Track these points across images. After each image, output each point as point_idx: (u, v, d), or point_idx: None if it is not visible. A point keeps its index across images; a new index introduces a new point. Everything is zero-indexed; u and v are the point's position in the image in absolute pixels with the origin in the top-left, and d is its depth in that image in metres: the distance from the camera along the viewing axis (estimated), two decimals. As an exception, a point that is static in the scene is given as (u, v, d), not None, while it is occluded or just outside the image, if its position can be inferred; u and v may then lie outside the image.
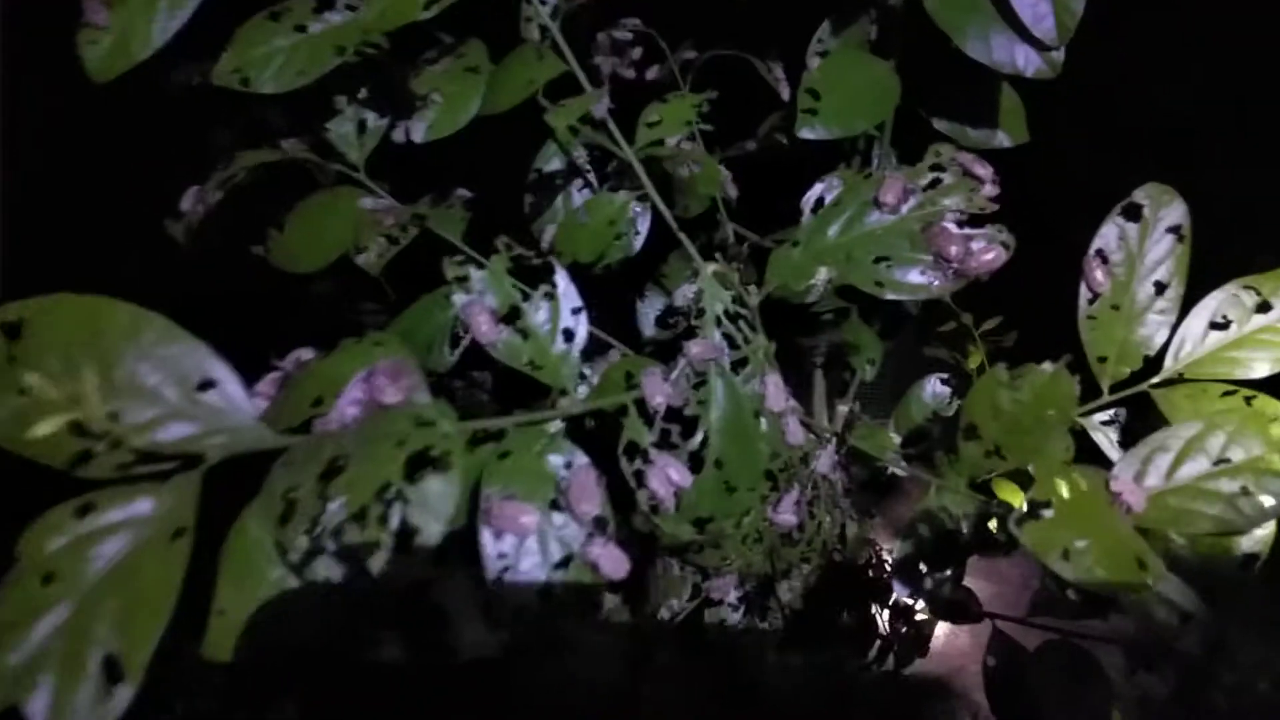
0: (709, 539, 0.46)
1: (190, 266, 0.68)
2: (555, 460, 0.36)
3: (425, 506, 0.27)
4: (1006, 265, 0.54)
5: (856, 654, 0.71)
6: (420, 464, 0.26)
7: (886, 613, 0.69)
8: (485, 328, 0.40)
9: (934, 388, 0.63)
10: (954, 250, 0.46)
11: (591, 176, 0.69)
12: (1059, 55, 0.63)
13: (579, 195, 0.66)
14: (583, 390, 0.64)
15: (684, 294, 0.60)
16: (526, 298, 0.41)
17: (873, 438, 0.58)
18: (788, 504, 0.54)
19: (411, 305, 0.68)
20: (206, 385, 0.30)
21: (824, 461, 0.54)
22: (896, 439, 0.61)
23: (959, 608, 0.61)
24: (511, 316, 0.40)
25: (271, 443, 0.29)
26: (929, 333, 0.93)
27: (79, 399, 0.26)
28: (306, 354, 0.36)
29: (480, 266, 0.40)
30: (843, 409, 0.96)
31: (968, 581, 0.67)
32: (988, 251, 0.46)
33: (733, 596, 0.64)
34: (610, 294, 0.82)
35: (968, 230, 0.46)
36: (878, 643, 0.71)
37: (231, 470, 0.31)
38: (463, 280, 0.40)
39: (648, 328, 0.68)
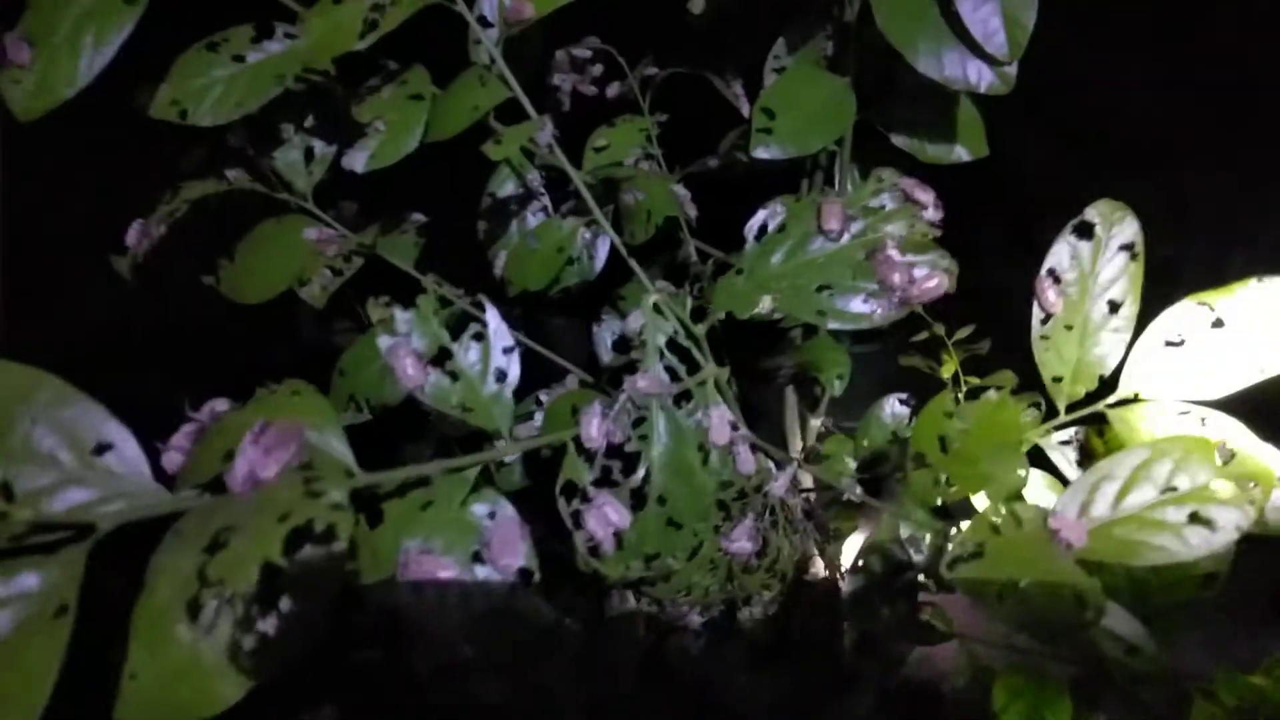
0: (658, 574, 0.45)
1: (157, 288, 0.67)
2: (479, 510, 0.35)
3: (309, 586, 0.26)
4: (981, 272, 0.54)
5: (824, 677, 0.70)
6: (302, 539, 0.25)
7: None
8: (411, 371, 0.39)
9: (893, 408, 0.62)
10: (896, 278, 0.45)
11: (547, 200, 0.68)
12: (1011, 70, 0.62)
13: (534, 219, 0.66)
14: (539, 419, 0.64)
15: (634, 321, 0.59)
16: (455, 338, 0.40)
17: (830, 464, 0.57)
18: (742, 532, 0.54)
19: (365, 334, 0.67)
20: (103, 448, 0.29)
21: (778, 486, 0.53)
22: (852, 463, 0.61)
23: (925, 629, 0.60)
24: (440, 358, 0.40)
25: (168, 507, 0.28)
26: (902, 342, 0.92)
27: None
28: (221, 405, 0.35)
29: (406, 306, 0.39)
30: (815, 423, 0.96)
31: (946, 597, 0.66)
32: (930, 279, 0.45)
33: (695, 623, 0.63)
34: (576, 316, 0.81)
35: (910, 257, 0.46)
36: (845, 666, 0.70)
37: (146, 531, 0.30)
38: (386, 322, 0.39)
39: (604, 353, 0.67)
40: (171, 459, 0.34)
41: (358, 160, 0.54)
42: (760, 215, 0.49)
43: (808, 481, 0.71)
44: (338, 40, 0.50)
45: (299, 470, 0.29)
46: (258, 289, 0.64)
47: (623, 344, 0.66)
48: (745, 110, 0.83)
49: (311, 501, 0.25)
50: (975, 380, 0.85)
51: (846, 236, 0.47)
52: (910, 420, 0.63)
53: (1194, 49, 0.78)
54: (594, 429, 0.41)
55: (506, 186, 0.68)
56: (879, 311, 0.45)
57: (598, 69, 0.79)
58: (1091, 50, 0.76)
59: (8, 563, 0.26)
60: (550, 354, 0.66)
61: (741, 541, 0.54)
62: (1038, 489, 0.58)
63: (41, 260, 0.93)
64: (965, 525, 0.40)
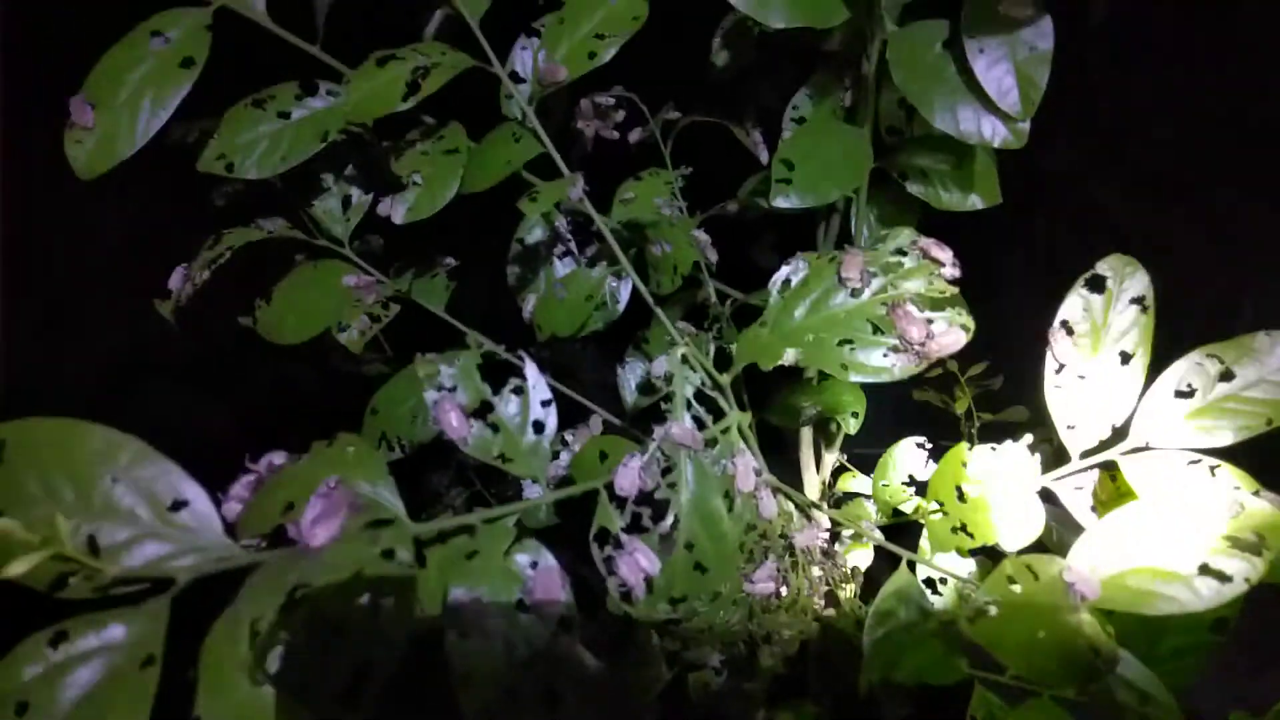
0: (684, 615, 0.47)
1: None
2: (522, 560, 0.37)
3: (380, 634, 0.28)
4: (998, 310, 0.55)
5: (840, 712, 0.71)
6: (377, 591, 0.27)
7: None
8: (455, 423, 0.41)
9: (910, 451, 0.64)
10: (915, 333, 0.47)
11: (573, 245, 0.70)
12: (1025, 126, 0.64)
13: (561, 265, 0.68)
14: (565, 457, 0.66)
15: (660, 366, 0.61)
16: (496, 391, 0.42)
17: (850, 508, 0.59)
18: (764, 574, 0.55)
19: (397, 373, 0.69)
20: (179, 505, 0.31)
21: (803, 536, 0.55)
22: (871, 507, 0.62)
23: (945, 670, 0.61)
24: (482, 411, 0.42)
25: (240, 561, 0.30)
26: (917, 377, 0.94)
27: (52, 538, 0.27)
28: (278, 458, 0.37)
29: (451, 362, 0.42)
30: (830, 458, 0.97)
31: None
32: (947, 334, 0.47)
33: (715, 661, 0.65)
34: (598, 351, 0.83)
35: (928, 313, 0.48)
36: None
37: (209, 580, 0.32)
38: (431, 376, 0.41)
39: (629, 394, 0.69)
40: (231, 508, 0.36)
41: (398, 212, 0.57)
42: (784, 270, 0.51)
43: (826, 522, 0.73)
44: (381, 101, 0.53)
45: (363, 529, 0.31)
46: (295, 330, 0.66)
47: (648, 386, 0.68)
48: (764, 158, 0.85)
49: (380, 561, 0.27)
50: (988, 416, 0.87)
51: (867, 293, 0.49)
52: (927, 463, 0.65)
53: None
54: (628, 480, 0.43)
55: (535, 233, 0.70)
56: (899, 366, 0.47)
57: (620, 115, 0.82)
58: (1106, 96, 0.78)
59: (96, 615, 0.28)
60: (576, 395, 0.68)
61: (763, 583, 0.55)
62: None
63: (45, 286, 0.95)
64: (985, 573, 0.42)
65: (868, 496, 0.86)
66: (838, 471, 1.00)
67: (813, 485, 1.01)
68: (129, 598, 0.29)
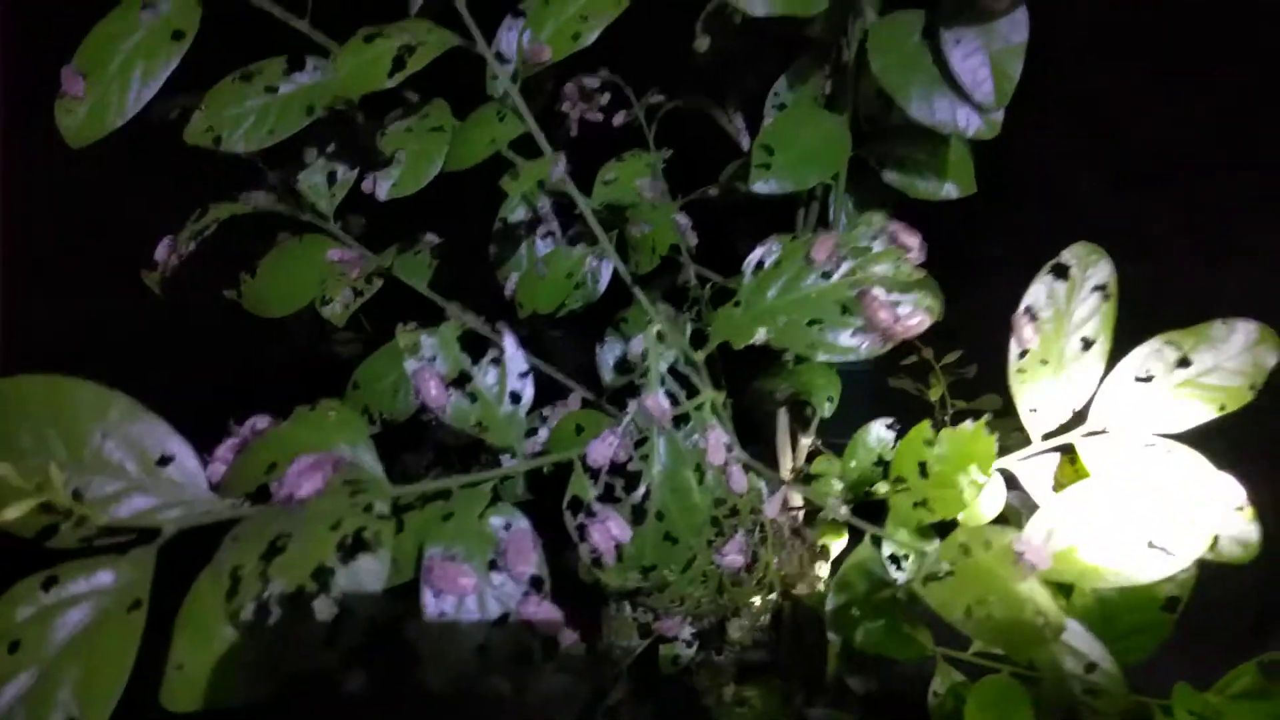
0: (654, 585, 0.48)
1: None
2: (496, 522, 0.38)
3: (357, 584, 0.29)
4: (971, 296, 0.56)
5: (809, 686, 0.73)
6: (355, 546, 0.28)
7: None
8: (434, 392, 0.42)
9: (879, 433, 0.66)
10: (882, 315, 0.48)
11: (555, 225, 0.71)
12: (998, 116, 0.66)
13: (543, 244, 0.69)
14: (543, 433, 0.67)
15: (637, 345, 0.63)
16: (475, 362, 0.43)
17: (818, 484, 0.60)
18: (733, 547, 0.57)
19: (379, 348, 0.71)
20: (165, 460, 0.32)
21: (771, 506, 0.56)
22: (838, 484, 0.64)
23: (906, 643, 0.63)
24: (460, 381, 0.43)
25: (224, 514, 0.32)
26: (892, 365, 0.96)
27: (45, 485, 0.28)
28: (261, 421, 0.39)
29: (432, 333, 0.43)
30: (805, 442, 0.99)
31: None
32: (912, 316, 0.48)
33: (686, 634, 0.66)
34: (577, 332, 0.84)
35: (895, 295, 0.49)
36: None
37: (191, 536, 0.33)
38: (413, 347, 0.42)
39: (607, 373, 0.70)
40: (216, 469, 0.38)
41: (382, 188, 0.58)
42: (758, 252, 0.53)
43: (797, 500, 0.75)
44: (368, 78, 0.54)
45: (343, 484, 0.32)
46: (281, 304, 0.67)
47: (624, 365, 0.70)
48: (745, 143, 0.87)
49: (360, 513, 0.28)
50: (962, 404, 0.89)
51: (837, 275, 0.50)
52: (895, 444, 0.67)
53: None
54: (601, 452, 0.44)
55: (518, 212, 0.71)
56: (865, 345, 0.49)
57: (605, 98, 0.83)
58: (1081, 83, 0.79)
59: (85, 560, 0.29)
60: (554, 372, 0.69)
61: (732, 556, 0.57)
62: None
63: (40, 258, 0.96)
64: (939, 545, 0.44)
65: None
66: (812, 455, 1.01)
67: (787, 468, 1.03)
68: (117, 548, 0.30)
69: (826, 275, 0.50)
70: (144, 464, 0.32)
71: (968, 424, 0.48)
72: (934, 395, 0.89)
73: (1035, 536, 0.45)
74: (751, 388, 0.88)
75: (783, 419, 1.00)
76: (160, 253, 0.65)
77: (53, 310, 0.88)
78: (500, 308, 0.82)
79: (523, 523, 0.38)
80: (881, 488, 0.59)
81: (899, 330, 0.48)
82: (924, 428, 0.48)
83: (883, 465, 0.69)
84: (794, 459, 1.03)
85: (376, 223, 0.78)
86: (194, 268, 0.68)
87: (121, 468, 0.32)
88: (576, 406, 0.68)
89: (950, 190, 0.77)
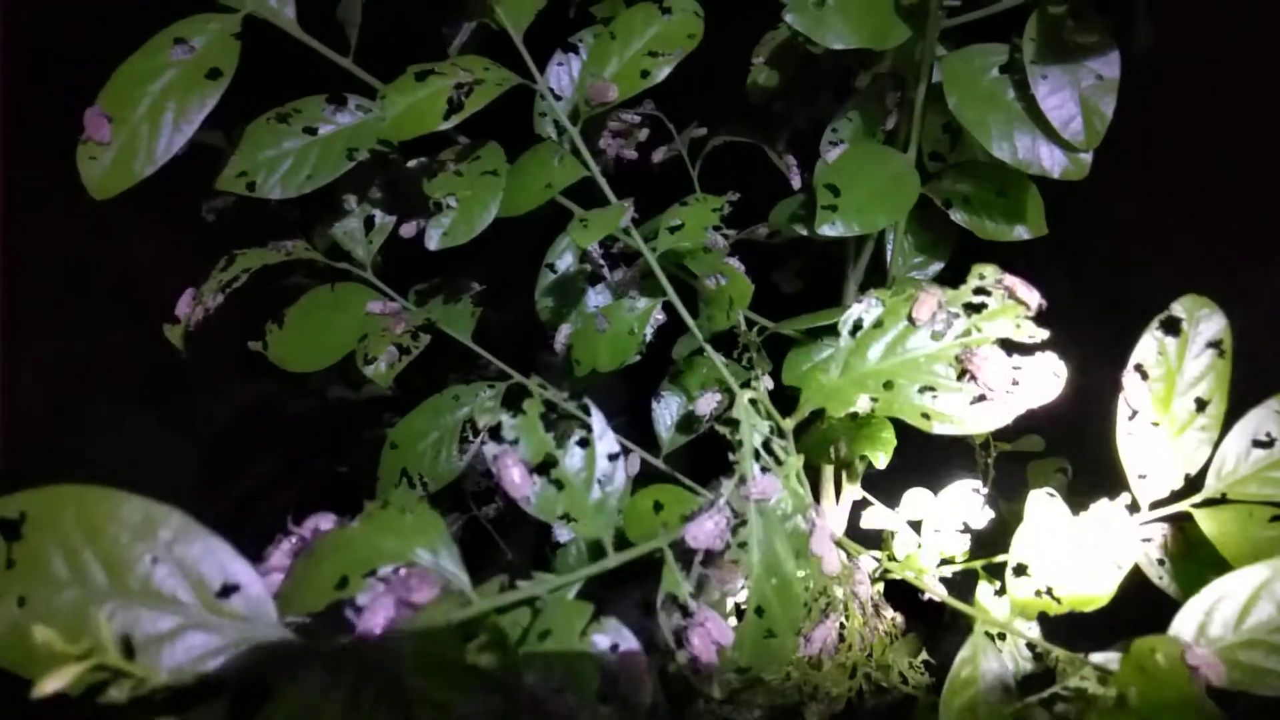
0: (748, 683, 0.43)
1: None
2: (600, 642, 0.33)
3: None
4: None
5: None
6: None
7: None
8: (518, 480, 0.37)
9: (963, 495, 0.61)
10: (996, 380, 0.43)
11: (606, 270, 0.66)
12: (1087, 157, 0.61)
13: (594, 293, 0.64)
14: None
15: (707, 403, 0.58)
16: (560, 444, 0.38)
17: (908, 560, 0.55)
18: (821, 633, 0.52)
19: (416, 407, 0.65)
20: (228, 590, 0.27)
21: (862, 588, 0.51)
22: (934, 560, 0.59)
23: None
24: (545, 466, 0.38)
25: (295, 653, 0.26)
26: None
27: (95, 649, 0.23)
28: (325, 522, 0.33)
29: (513, 411, 0.38)
30: (851, 491, 0.94)
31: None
32: (1038, 382, 0.43)
33: (758, 717, 0.61)
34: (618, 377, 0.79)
35: (1016, 360, 0.44)
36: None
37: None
38: (494, 430, 0.37)
39: (664, 430, 0.65)
40: (271, 580, 0.32)
41: (432, 238, 0.53)
42: (855, 309, 0.48)
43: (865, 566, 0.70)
44: (421, 119, 0.49)
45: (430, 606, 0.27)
46: (313, 358, 0.62)
47: (686, 424, 0.65)
48: (796, 182, 0.82)
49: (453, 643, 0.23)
50: (1005, 445, 0.84)
51: (949, 335, 0.45)
52: (983, 508, 0.62)
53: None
54: (705, 535, 0.39)
55: (565, 258, 0.66)
56: (985, 416, 0.44)
57: (644, 134, 0.79)
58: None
59: (135, 727, 0.24)
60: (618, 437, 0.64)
61: (820, 641, 0.52)
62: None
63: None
64: (1101, 660, 0.39)
65: (890, 534, 0.83)
66: (858, 506, 0.96)
67: (834, 520, 0.98)
68: (172, 705, 0.25)
69: (936, 336, 0.45)
70: (202, 594, 0.26)
71: (1103, 504, 0.43)
72: (978, 438, 0.84)
73: (1186, 632, 0.40)
74: (806, 437, 0.83)
75: (828, 473, 0.95)
76: (183, 306, 0.60)
77: (55, 363, 0.83)
78: (523, 352, 0.77)
79: (632, 642, 0.33)
80: (973, 561, 0.53)
81: (1023, 399, 0.43)
82: (1054, 508, 0.42)
83: (968, 531, 0.64)
84: (839, 506, 0.98)
85: (402, 266, 0.73)
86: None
87: (175, 599, 0.26)
88: (636, 469, 0.62)
89: (1021, 232, 0.73)
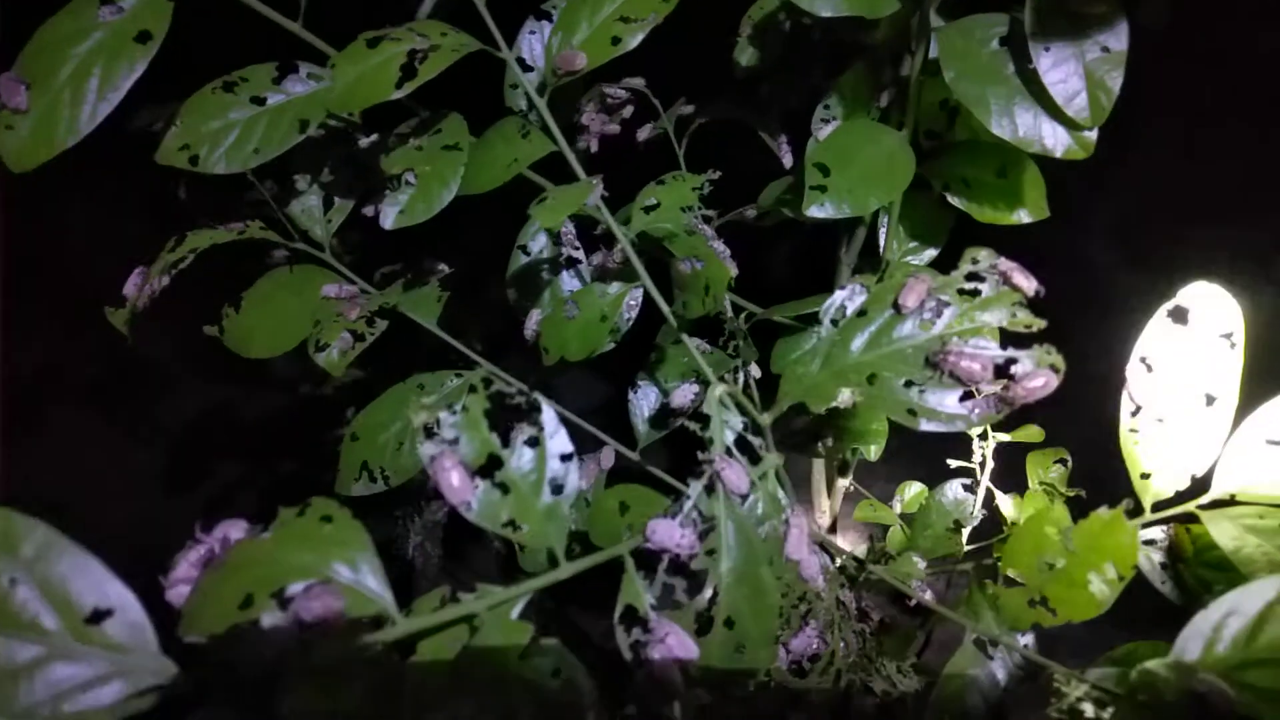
0: (716, 699, 0.40)
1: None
2: (543, 665, 0.29)
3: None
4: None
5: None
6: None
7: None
8: (457, 483, 0.33)
9: (956, 494, 0.57)
10: (978, 377, 0.40)
11: (581, 254, 0.63)
12: (1092, 135, 0.57)
13: (569, 278, 0.61)
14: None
15: (683, 395, 0.54)
16: (507, 443, 0.35)
17: (897, 565, 0.52)
18: (801, 642, 0.48)
19: (378, 397, 0.62)
20: (99, 615, 0.23)
21: (846, 592, 0.48)
22: (921, 563, 0.55)
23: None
24: (489, 467, 0.34)
25: (184, 689, 0.23)
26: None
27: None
28: (235, 530, 0.30)
29: (451, 408, 0.34)
30: (842, 485, 0.91)
31: None
32: (1035, 378, 0.40)
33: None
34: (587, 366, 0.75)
35: (1011, 352, 0.41)
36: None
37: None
38: (430, 426, 0.34)
39: (640, 423, 0.62)
40: (176, 591, 0.29)
41: (388, 216, 0.49)
42: (838, 296, 0.44)
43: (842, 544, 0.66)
44: (371, 89, 0.45)
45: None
46: (268, 343, 0.59)
47: (661, 418, 0.61)
48: (787, 161, 0.78)
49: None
50: (1003, 436, 0.81)
51: (939, 325, 0.42)
52: (973, 508, 0.58)
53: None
54: (670, 537, 0.36)
55: (538, 239, 0.63)
56: (977, 412, 0.40)
57: (628, 110, 0.75)
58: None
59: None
60: (578, 420, 0.61)
61: (799, 648, 0.48)
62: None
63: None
64: (1099, 676, 0.35)
65: (886, 527, 0.79)
66: (848, 497, 0.93)
67: (825, 515, 0.94)
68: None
69: (925, 325, 0.42)
70: (69, 620, 0.23)
71: (1102, 511, 0.39)
72: (975, 428, 0.81)
73: (1193, 651, 0.37)
74: (792, 430, 0.79)
75: (819, 466, 0.92)
76: (130, 288, 0.56)
77: (8, 363, 0.80)
78: (498, 338, 0.73)
79: (579, 672, 0.30)
80: (965, 562, 0.50)
81: (1019, 394, 0.39)
82: (1047, 514, 0.39)
83: (958, 529, 0.61)
84: (830, 504, 0.95)
85: (374, 246, 0.70)
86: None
87: (36, 625, 0.23)
88: (610, 462, 0.59)
89: (1022, 215, 0.69)
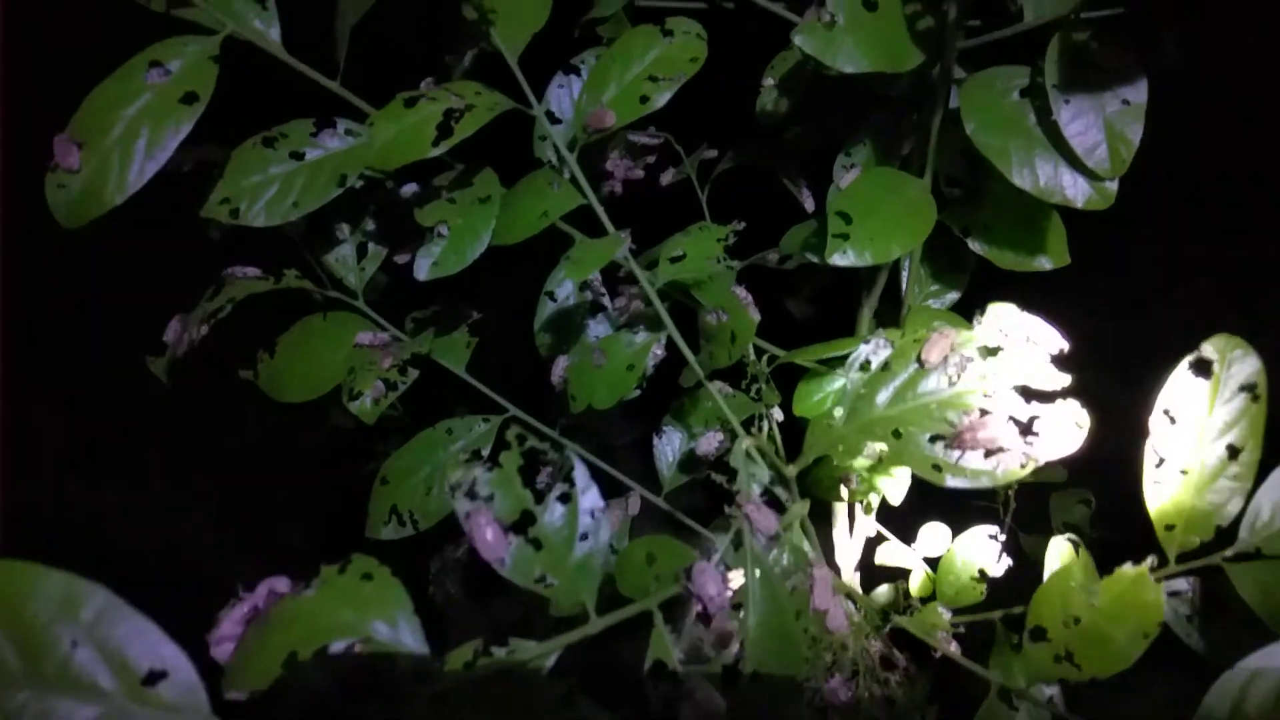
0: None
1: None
2: (575, 723, 0.30)
3: None
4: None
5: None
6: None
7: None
8: (491, 539, 0.34)
9: (979, 543, 0.57)
10: (1000, 442, 0.40)
11: (607, 300, 0.64)
12: (1112, 186, 0.58)
13: (595, 325, 0.62)
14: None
15: (708, 442, 0.55)
16: (539, 500, 0.36)
17: (922, 615, 0.52)
18: (828, 691, 0.49)
19: (411, 439, 0.63)
20: (155, 677, 0.24)
21: (871, 642, 0.48)
22: (946, 614, 0.56)
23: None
24: (523, 523, 0.35)
25: (231, 750, 0.24)
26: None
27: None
28: (280, 585, 0.31)
29: (490, 464, 0.35)
30: (865, 526, 0.91)
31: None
32: (1059, 434, 0.40)
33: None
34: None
35: (1034, 408, 0.41)
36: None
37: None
38: (467, 484, 0.34)
39: (665, 468, 0.62)
40: (221, 649, 0.30)
41: (421, 267, 0.51)
42: (863, 350, 0.45)
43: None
44: (409, 147, 0.47)
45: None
46: (302, 389, 0.60)
47: (688, 463, 0.62)
48: (809, 206, 0.79)
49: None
50: (1027, 477, 0.80)
51: (963, 381, 0.42)
52: (1000, 557, 0.59)
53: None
54: (711, 585, 0.36)
55: (566, 285, 0.64)
56: (1001, 469, 0.41)
57: (652, 156, 0.76)
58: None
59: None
60: (609, 468, 0.61)
61: (827, 702, 0.49)
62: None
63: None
64: None
65: (905, 573, 0.79)
66: (871, 543, 0.93)
67: (848, 559, 0.94)
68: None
69: (951, 381, 0.42)
70: (126, 681, 0.24)
71: (1128, 568, 0.40)
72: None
73: (1221, 711, 0.37)
74: (814, 475, 0.80)
75: (840, 512, 0.92)
76: (170, 335, 0.57)
77: (60, 399, 0.81)
78: (524, 381, 0.74)
79: (610, 726, 0.30)
80: (992, 611, 0.50)
81: (1042, 451, 0.40)
82: (1073, 570, 0.39)
83: (984, 579, 0.61)
84: (852, 543, 0.94)
85: (399, 289, 0.71)
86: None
87: (96, 686, 0.24)
88: (636, 509, 0.60)
89: (1043, 262, 0.70)
